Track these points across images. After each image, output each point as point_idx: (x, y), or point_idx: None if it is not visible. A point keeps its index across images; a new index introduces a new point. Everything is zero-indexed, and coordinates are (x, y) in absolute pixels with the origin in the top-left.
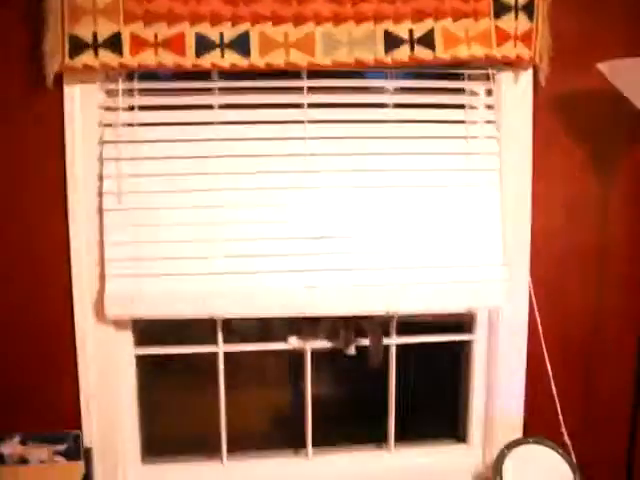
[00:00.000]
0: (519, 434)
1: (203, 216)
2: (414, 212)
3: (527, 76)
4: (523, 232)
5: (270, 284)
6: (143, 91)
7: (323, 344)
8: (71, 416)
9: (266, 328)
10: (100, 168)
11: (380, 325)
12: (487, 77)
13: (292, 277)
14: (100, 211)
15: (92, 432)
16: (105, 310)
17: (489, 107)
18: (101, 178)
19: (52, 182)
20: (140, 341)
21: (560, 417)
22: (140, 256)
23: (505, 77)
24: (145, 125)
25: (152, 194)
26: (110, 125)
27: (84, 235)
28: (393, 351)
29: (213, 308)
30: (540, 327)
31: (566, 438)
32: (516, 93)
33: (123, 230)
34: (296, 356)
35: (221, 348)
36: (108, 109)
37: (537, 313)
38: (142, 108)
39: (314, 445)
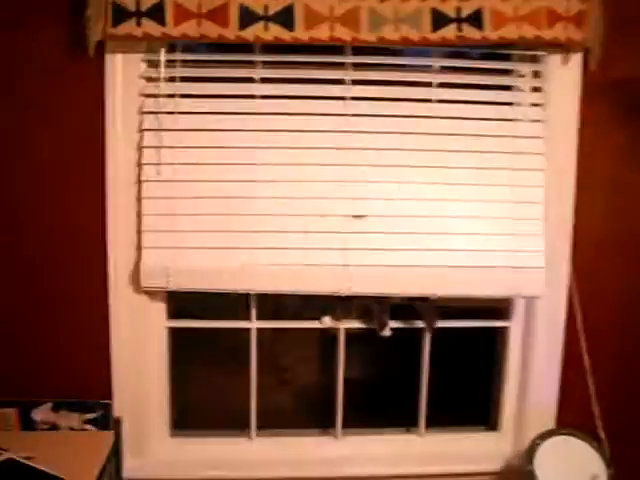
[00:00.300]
0: (551, 424)
1: (240, 190)
2: (455, 194)
3: (577, 59)
4: (565, 218)
5: (307, 261)
6: (185, 62)
7: (356, 325)
8: (103, 386)
9: (300, 306)
10: (140, 139)
11: (435, 308)
12: (535, 59)
13: (329, 255)
14: (139, 182)
15: (122, 402)
16: (140, 281)
17: (536, 90)
18: (140, 149)
19: (91, 151)
20: (175, 315)
21: (595, 409)
22: (176, 228)
23: (553, 59)
24: (186, 97)
25: (191, 166)
26: (151, 96)
27: (122, 205)
28: (427, 336)
29: (247, 283)
30: (579, 316)
31: (600, 431)
32: (564, 76)
33: (161, 202)
34: (329, 336)
35: (254, 324)
36: (149, 79)
37: (577, 301)
38: (183, 79)
39: (344, 426)
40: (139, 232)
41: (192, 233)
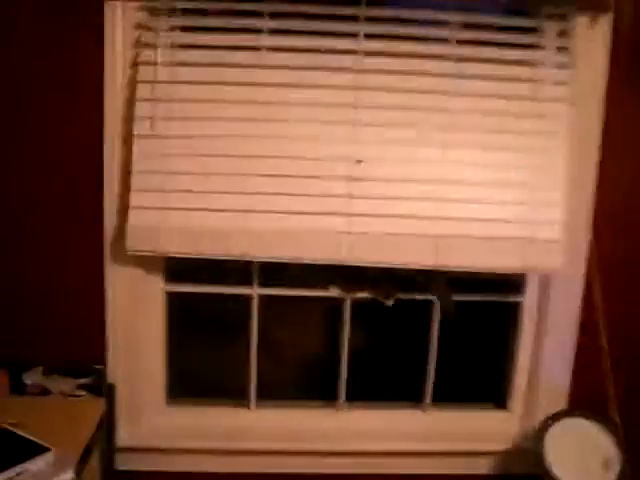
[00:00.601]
0: (563, 405)
1: (239, 148)
2: (470, 159)
3: (606, 18)
4: (586, 189)
5: (308, 227)
6: (186, 11)
7: (362, 294)
8: (97, 351)
9: (305, 274)
10: (135, 90)
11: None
12: (562, 17)
13: (331, 220)
14: (131, 136)
15: (117, 368)
16: (126, 244)
17: (560, 49)
18: (134, 101)
19: (89, 103)
20: (173, 279)
21: (610, 390)
22: (169, 188)
23: (581, 18)
24: (186, 47)
25: (187, 121)
26: (149, 46)
27: (117, 162)
28: (437, 308)
29: (242, 249)
30: (598, 292)
31: (615, 413)
32: (592, 35)
33: (153, 159)
34: (334, 306)
35: (256, 291)
36: (148, 29)
37: (596, 276)
38: (184, 29)
39: (347, 399)
40: (128, 191)
41: (184, 193)
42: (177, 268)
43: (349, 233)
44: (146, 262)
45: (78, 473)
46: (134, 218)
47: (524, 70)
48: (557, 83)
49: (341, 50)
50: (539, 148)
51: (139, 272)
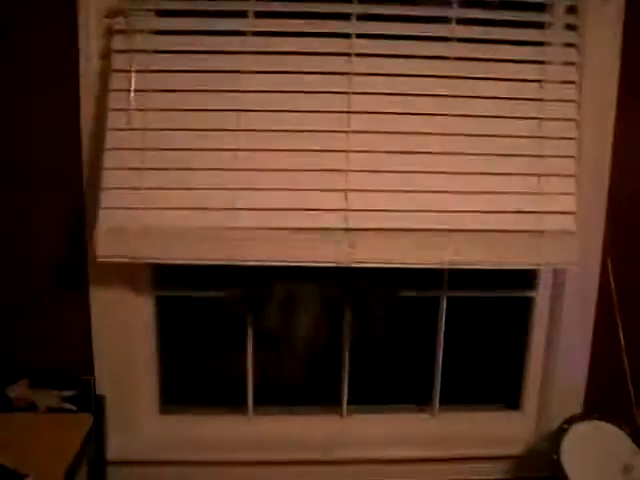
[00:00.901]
0: (579, 406)
1: (224, 141)
2: (472, 146)
3: None
4: (601, 175)
5: (300, 225)
6: None
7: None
8: (83, 361)
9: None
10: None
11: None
12: None
13: (327, 217)
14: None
15: (106, 378)
16: (96, 249)
17: (570, 27)
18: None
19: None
20: (162, 282)
21: (630, 390)
22: (143, 185)
23: None
24: (163, 33)
25: (164, 113)
26: (122, 32)
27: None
28: (443, 304)
29: (226, 252)
30: (614, 289)
31: (636, 415)
32: (604, 12)
33: (127, 153)
34: (335, 304)
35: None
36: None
37: (611, 270)
38: (160, 13)
39: (349, 403)
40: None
41: (162, 191)
42: (167, 270)
43: (347, 230)
44: (132, 264)
45: None
46: (105, 220)
47: (529, 50)
48: (565, 63)
49: (332, 33)
50: (547, 134)
51: (125, 275)
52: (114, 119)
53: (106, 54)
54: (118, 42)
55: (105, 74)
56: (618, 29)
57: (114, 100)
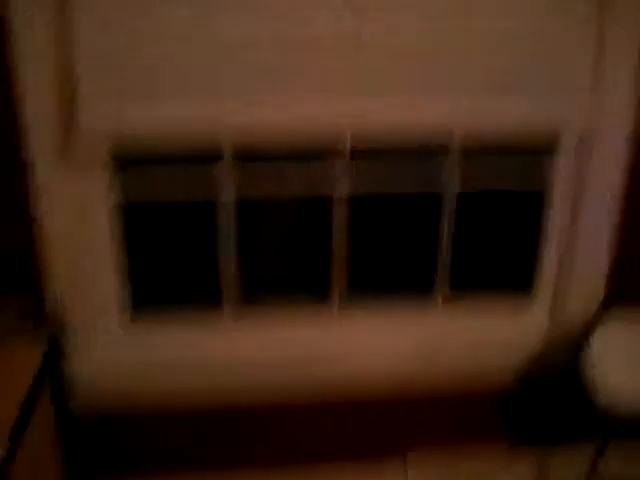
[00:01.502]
0: (599, 295)
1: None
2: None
3: None
4: None
5: (297, 109)
6: None
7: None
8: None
9: None
10: None
11: None
12: None
13: (321, 94)
14: None
15: (62, 289)
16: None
17: None
18: None
19: None
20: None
21: None
22: (124, 66)
23: None
24: None
25: None
26: None
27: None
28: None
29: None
30: None
31: None
32: None
33: (102, 28)
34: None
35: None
36: None
37: None
38: None
39: (343, 301)
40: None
41: (144, 73)
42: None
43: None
44: (88, 163)
45: (13, 441)
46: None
47: None
48: None
49: None
50: None
51: (81, 176)
52: None
53: None
54: None
55: None
56: None
57: None
